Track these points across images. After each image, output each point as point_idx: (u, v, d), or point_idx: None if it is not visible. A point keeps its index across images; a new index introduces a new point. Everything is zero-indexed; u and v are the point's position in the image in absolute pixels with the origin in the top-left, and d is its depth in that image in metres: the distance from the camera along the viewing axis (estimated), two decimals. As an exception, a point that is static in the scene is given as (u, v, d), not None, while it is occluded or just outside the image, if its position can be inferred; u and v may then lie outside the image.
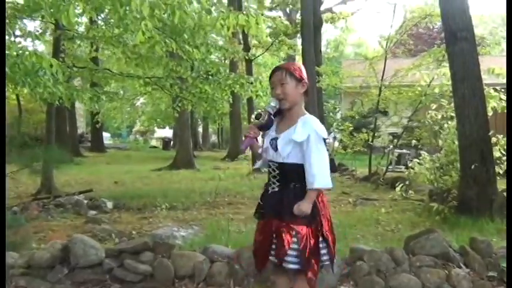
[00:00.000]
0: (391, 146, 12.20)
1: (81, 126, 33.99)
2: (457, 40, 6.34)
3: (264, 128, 2.65)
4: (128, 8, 4.47)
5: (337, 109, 28.83)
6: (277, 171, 2.63)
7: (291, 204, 2.52)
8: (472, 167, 5.98)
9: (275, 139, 2.62)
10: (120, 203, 7.96)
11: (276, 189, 2.64)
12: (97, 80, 8.90)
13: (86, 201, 7.75)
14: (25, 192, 9.33)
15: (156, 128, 41.44)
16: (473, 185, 6.10)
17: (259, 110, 2.66)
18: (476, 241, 4.03)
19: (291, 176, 2.59)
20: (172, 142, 31.26)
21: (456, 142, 6.90)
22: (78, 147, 22.63)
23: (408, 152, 13.17)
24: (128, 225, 6.27)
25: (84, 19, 9.47)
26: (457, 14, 6.38)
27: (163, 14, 4.39)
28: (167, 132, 38.62)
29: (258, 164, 2.84)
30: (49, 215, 6.97)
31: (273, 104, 2.63)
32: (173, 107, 10.44)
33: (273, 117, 2.64)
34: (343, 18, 23.70)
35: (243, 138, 2.68)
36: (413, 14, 12.08)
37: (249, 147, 2.71)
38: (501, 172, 6.69)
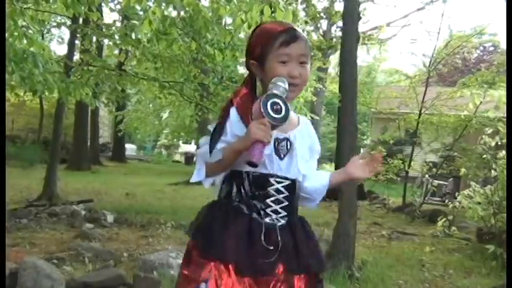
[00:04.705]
0: (427, 176, 11.12)
1: (106, 136, 33.53)
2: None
3: (280, 125, 1.53)
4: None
5: (367, 135, 27.69)
6: (285, 194, 1.61)
7: (309, 245, 1.63)
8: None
9: (285, 141, 1.62)
10: (122, 217, 7.07)
11: (282, 221, 1.60)
12: (109, 81, 8.13)
13: (84, 213, 6.90)
14: (26, 197, 8.56)
15: (180, 143, 40.99)
16: (539, 227, 5.00)
17: (273, 98, 1.49)
18: None
19: (297, 203, 1.67)
20: (195, 157, 30.57)
21: (515, 173, 5.84)
22: (98, 156, 22.05)
23: (445, 183, 12.03)
24: (122, 244, 5.37)
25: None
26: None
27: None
28: (192, 148, 38.02)
29: (206, 176, 1.65)
30: (38, 224, 6.14)
31: (283, 84, 1.54)
32: (192, 116, 9.62)
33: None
34: (379, 42, 22.79)
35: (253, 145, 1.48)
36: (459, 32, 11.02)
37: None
38: None
